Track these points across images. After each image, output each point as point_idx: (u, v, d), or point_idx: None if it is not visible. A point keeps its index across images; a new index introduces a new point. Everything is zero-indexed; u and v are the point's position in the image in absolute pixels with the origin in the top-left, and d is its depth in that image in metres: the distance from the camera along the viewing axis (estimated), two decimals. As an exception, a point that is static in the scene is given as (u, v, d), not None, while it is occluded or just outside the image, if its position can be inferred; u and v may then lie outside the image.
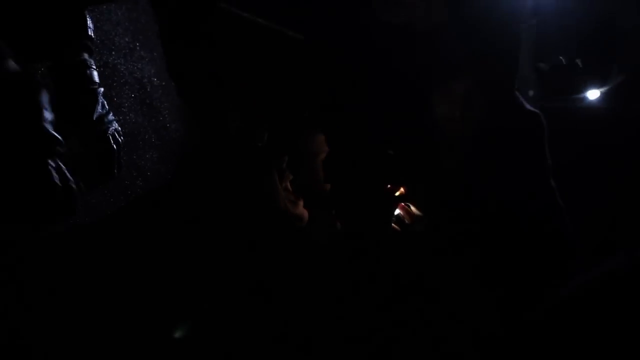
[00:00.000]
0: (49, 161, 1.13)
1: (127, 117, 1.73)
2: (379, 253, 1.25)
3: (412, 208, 1.30)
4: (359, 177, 1.27)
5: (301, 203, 1.38)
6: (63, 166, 1.17)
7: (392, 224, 1.30)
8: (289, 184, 1.39)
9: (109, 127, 1.47)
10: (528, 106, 1.26)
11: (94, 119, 1.43)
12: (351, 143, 1.28)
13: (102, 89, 1.47)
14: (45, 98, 1.18)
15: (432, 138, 1.25)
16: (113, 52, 1.77)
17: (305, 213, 1.36)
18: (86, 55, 1.43)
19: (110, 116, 1.49)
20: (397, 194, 1.28)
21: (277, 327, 1.26)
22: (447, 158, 1.24)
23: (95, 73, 1.45)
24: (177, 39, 1.37)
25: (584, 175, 1.89)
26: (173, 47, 1.39)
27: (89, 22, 1.44)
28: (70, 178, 1.17)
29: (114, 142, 1.47)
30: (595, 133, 2.08)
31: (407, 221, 1.30)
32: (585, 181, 1.88)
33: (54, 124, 1.21)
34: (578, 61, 2.13)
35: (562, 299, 1.15)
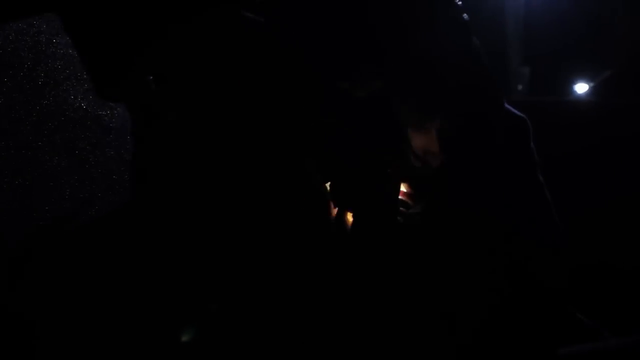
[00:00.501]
0: None
1: (115, 111, 1.72)
2: (391, 241, 1.25)
3: (408, 189, 1.31)
4: (357, 171, 1.27)
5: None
6: None
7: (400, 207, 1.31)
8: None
9: None
10: (514, 111, 1.28)
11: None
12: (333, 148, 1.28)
13: None
14: None
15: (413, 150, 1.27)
16: (100, 46, 1.76)
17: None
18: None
19: None
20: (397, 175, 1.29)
21: (283, 327, 1.26)
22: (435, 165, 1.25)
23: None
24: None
25: (570, 169, 1.90)
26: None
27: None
28: None
29: None
30: (582, 127, 2.10)
31: (411, 203, 1.31)
32: (571, 174, 1.89)
33: None
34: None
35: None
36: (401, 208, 1.30)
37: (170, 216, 1.50)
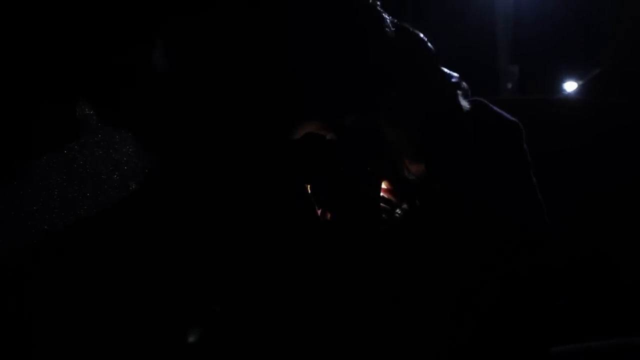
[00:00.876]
0: None
1: (103, 111, 1.71)
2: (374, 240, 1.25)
3: (391, 186, 1.31)
4: (336, 169, 1.27)
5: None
6: None
7: (381, 204, 1.30)
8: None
9: None
10: (506, 115, 1.30)
11: None
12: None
13: None
14: None
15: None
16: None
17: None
18: None
19: None
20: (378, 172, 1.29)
21: (287, 328, 1.26)
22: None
23: None
24: None
25: (559, 167, 1.91)
26: None
27: None
28: None
29: None
30: (571, 125, 2.11)
31: (394, 200, 1.31)
32: (561, 172, 1.90)
33: None
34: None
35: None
36: (385, 206, 1.30)
37: (161, 217, 1.49)
